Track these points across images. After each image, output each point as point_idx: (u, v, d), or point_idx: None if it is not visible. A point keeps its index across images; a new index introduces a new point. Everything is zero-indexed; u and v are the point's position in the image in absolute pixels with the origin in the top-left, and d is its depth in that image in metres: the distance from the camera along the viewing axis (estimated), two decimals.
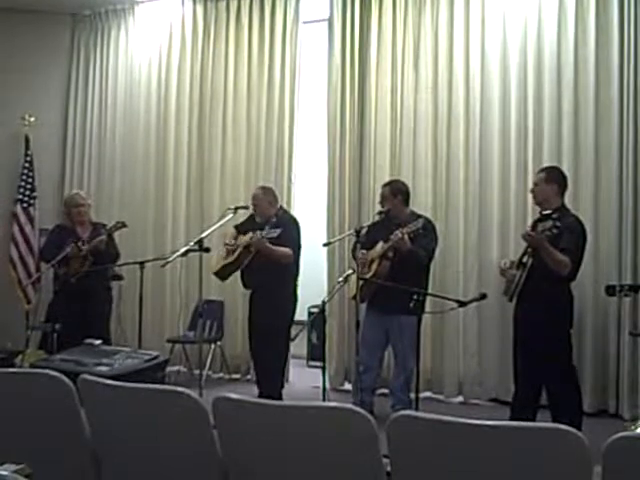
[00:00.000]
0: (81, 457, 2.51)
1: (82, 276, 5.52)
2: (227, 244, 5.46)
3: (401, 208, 5.23)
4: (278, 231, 5.10)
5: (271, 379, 5.37)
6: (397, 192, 5.24)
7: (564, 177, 4.57)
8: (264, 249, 5.13)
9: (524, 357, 4.44)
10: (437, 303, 5.00)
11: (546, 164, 5.43)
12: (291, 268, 5.36)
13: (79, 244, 5.56)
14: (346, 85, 6.44)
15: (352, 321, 5.38)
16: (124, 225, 5.69)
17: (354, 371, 5.17)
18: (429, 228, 5.10)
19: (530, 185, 4.87)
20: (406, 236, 4.83)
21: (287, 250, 5.21)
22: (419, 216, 5.10)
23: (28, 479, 1.57)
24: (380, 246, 5.05)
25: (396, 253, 4.95)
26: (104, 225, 5.79)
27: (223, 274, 5.52)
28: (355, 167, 6.40)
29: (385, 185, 5.37)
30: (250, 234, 5.24)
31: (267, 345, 5.32)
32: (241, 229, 5.52)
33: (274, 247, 5.14)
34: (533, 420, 4.20)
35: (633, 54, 5.40)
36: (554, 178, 4.51)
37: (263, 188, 5.63)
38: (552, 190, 4.46)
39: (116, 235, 5.80)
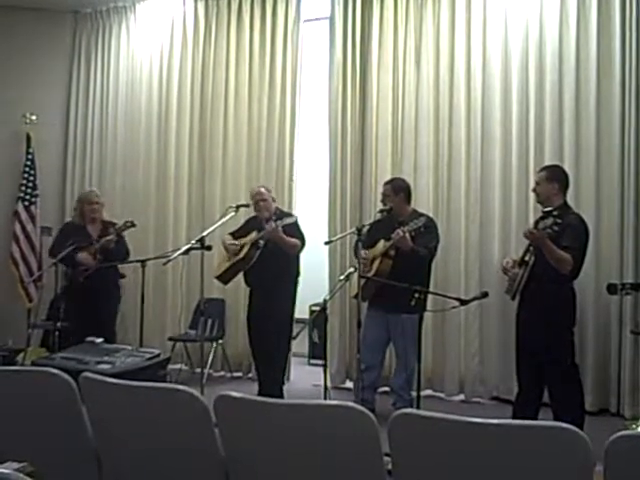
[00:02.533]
0: (82, 455, 2.52)
1: (90, 274, 5.52)
2: (231, 244, 5.47)
3: (403, 206, 5.22)
4: (292, 219, 5.25)
5: (272, 377, 5.38)
6: (399, 190, 5.24)
7: (566, 175, 4.56)
8: (279, 238, 5.20)
9: (526, 356, 4.43)
10: (438, 301, 5.00)
11: (548, 162, 5.43)
12: (292, 267, 5.39)
13: (88, 244, 5.55)
14: (347, 83, 6.43)
15: (353, 319, 5.39)
16: (133, 224, 5.68)
17: (355, 369, 5.17)
18: (431, 226, 5.10)
19: (532, 183, 4.87)
20: (407, 234, 4.83)
21: (297, 241, 5.31)
22: (420, 214, 5.09)
23: (30, 477, 1.57)
24: (382, 244, 5.04)
25: (398, 251, 4.94)
26: (114, 224, 5.79)
27: (225, 277, 5.54)
28: (356, 165, 6.40)
29: (387, 183, 5.36)
30: (271, 222, 5.27)
31: (268, 343, 5.33)
32: (237, 234, 5.54)
33: (287, 237, 5.23)
34: (535, 418, 4.19)
35: (635, 53, 5.38)
36: (556, 176, 4.50)
37: (264, 186, 5.68)
38: (554, 188, 4.45)
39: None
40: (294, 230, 5.32)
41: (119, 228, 5.63)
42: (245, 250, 5.36)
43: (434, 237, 5.14)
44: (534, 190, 4.61)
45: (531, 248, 4.33)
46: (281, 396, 5.28)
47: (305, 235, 5.46)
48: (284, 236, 5.21)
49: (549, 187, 4.45)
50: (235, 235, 5.54)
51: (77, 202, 6.05)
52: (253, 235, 5.34)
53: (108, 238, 5.53)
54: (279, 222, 5.21)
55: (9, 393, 2.60)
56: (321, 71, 6.81)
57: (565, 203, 4.48)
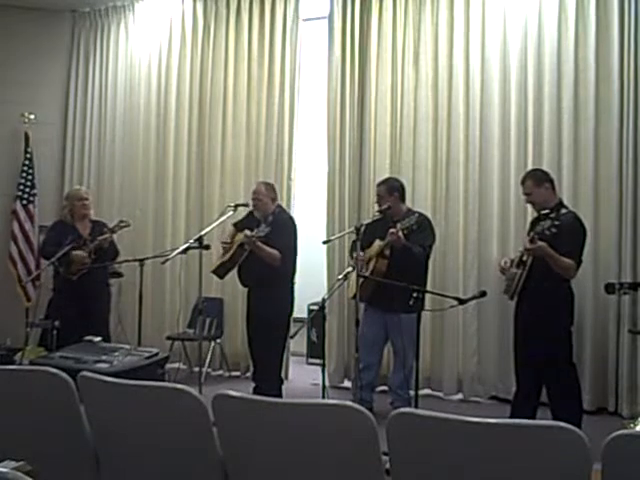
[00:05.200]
0: (81, 454, 2.52)
1: (83, 274, 5.52)
2: (223, 242, 5.48)
3: (397, 205, 5.21)
4: (266, 230, 5.12)
5: (269, 376, 5.37)
6: (393, 190, 5.23)
7: (548, 173, 4.60)
8: (255, 248, 5.14)
9: (524, 355, 4.44)
10: (437, 300, 5.00)
11: (546, 163, 5.45)
12: (287, 266, 5.33)
13: (81, 244, 5.53)
14: (346, 83, 6.43)
15: (352, 318, 5.38)
16: (127, 224, 5.68)
17: (354, 368, 5.17)
18: (424, 224, 5.09)
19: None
20: (400, 232, 4.83)
21: (275, 252, 5.18)
22: (414, 213, 5.09)
23: (28, 476, 1.57)
24: (377, 245, 5.05)
25: (393, 251, 4.94)
26: (104, 223, 5.78)
27: (220, 272, 5.53)
28: (355, 165, 6.40)
29: (380, 184, 5.35)
30: (246, 231, 5.24)
31: (265, 342, 5.32)
32: (239, 226, 5.52)
33: (264, 246, 5.14)
34: (533, 418, 4.20)
35: (633, 54, 5.39)
36: (543, 178, 4.51)
37: (266, 184, 5.60)
38: (547, 189, 4.47)
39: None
40: (274, 241, 5.17)
41: (114, 227, 5.62)
42: (231, 252, 5.34)
43: (429, 235, 5.14)
44: (529, 202, 4.60)
45: None
46: (279, 395, 5.28)
47: (295, 240, 5.37)
48: (260, 245, 5.12)
49: (542, 191, 4.46)
50: (238, 227, 5.52)
51: (66, 200, 5.99)
52: (241, 236, 5.29)
53: (104, 237, 5.52)
54: (255, 231, 5.12)
55: (7, 392, 2.60)
56: (320, 70, 6.81)
57: (560, 201, 4.49)
